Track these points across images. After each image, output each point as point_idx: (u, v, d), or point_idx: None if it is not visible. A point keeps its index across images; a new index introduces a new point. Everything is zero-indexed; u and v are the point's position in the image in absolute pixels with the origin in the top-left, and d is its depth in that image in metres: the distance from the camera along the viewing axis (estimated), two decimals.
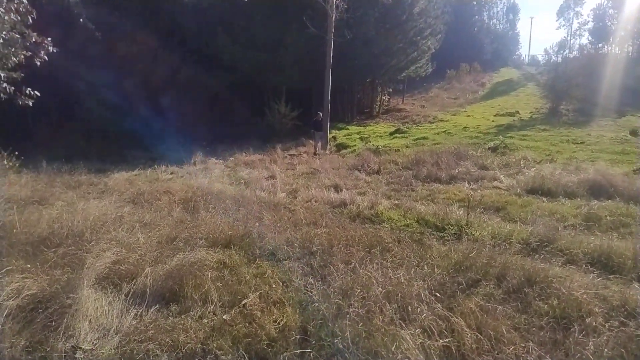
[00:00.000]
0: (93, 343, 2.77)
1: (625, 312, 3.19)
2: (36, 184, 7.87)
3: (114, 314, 3.03)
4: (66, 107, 19.94)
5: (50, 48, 6.43)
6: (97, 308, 3.01)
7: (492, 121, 18.46)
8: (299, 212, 6.26)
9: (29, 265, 3.54)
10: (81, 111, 18.21)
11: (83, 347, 2.69)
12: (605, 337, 2.84)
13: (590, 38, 42.93)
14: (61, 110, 19.86)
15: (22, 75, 6.05)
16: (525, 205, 6.56)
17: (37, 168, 9.59)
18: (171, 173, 11.07)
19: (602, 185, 7.06)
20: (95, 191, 7.96)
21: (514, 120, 18.19)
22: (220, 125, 20.58)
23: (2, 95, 5.83)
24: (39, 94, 6.26)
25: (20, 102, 5.97)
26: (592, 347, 2.72)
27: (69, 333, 2.81)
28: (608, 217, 5.70)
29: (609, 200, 6.48)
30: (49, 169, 9.69)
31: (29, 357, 2.63)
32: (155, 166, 11.69)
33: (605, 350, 2.69)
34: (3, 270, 3.33)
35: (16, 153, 9.18)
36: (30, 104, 6.02)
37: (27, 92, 5.99)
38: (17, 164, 9.19)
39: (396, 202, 7.17)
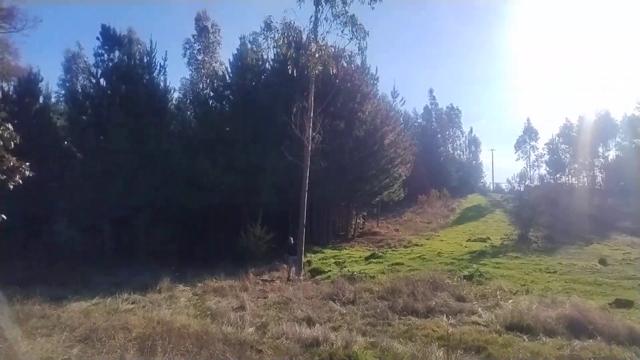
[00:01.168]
0: None
1: None
2: None
3: None
4: (34, 226, 19.41)
5: (27, 172, 6.41)
6: None
7: (465, 246, 18.76)
8: (266, 353, 5.75)
9: None
10: (49, 231, 17.63)
11: None
12: None
13: (547, 169, 46.68)
14: (28, 229, 19.27)
15: None
16: (506, 345, 6.26)
17: None
18: (133, 302, 10.34)
19: (579, 321, 6.90)
20: (46, 326, 7.24)
21: (485, 246, 18.55)
22: (194, 247, 20.16)
23: None
24: (5, 217, 6.06)
25: None
26: None
27: None
28: None
29: (590, 340, 6.27)
30: (1, 296, 8.94)
31: None
32: (117, 294, 10.95)
33: None
34: None
35: None
36: None
37: None
38: None
39: (372, 340, 6.73)
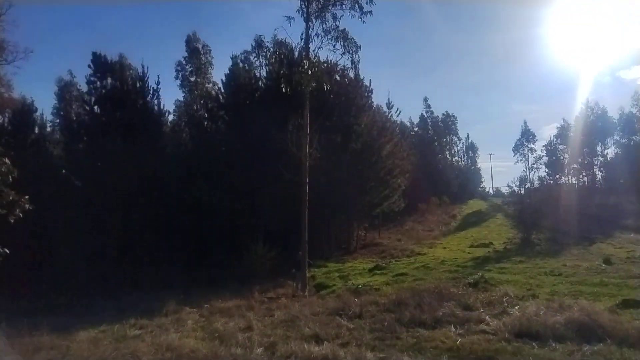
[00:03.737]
0: None
1: None
2: None
3: None
4: (37, 256, 19.34)
5: (27, 205, 6.44)
6: None
7: (468, 253, 18.75)
8: None
9: None
10: (51, 262, 17.58)
11: None
12: None
13: (547, 170, 46.72)
14: (30, 260, 19.20)
15: None
16: (516, 353, 6.24)
17: None
18: (140, 328, 10.27)
19: (589, 326, 6.88)
20: (56, 358, 7.19)
21: (489, 251, 18.53)
22: (197, 268, 20.08)
23: None
24: (8, 251, 6.08)
25: None
26: None
27: None
28: None
29: (600, 344, 6.24)
30: (8, 328, 8.89)
31: None
32: (124, 320, 10.89)
33: None
34: None
35: None
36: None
37: None
38: None
39: (382, 355, 6.71)
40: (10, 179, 6.23)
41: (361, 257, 21.92)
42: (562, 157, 46.60)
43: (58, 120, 25.38)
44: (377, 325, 8.97)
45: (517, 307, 8.83)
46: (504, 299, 9.75)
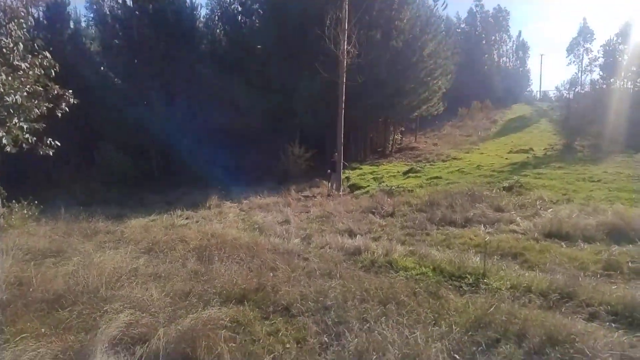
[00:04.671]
0: None
1: None
2: (54, 234, 8.02)
3: None
4: (86, 153, 20.59)
5: (71, 100, 6.70)
6: None
7: (506, 159, 18.38)
8: (313, 260, 6.22)
9: (43, 329, 3.57)
10: (100, 156, 18.75)
11: None
12: None
13: (601, 73, 42.79)
14: (81, 155, 20.50)
15: (44, 125, 6.27)
16: (543, 251, 6.41)
17: (55, 215, 9.83)
18: (186, 218, 11.20)
19: (621, 228, 6.88)
20: (112, 240, 8.05)
21: (528, 157, 18.08)
22: (235, 168, 20.94)
23: (24, 145, 6.03)
24: (59, 144, 6.47)
25: (42, 152, 6.15)
26: None
27: None
28: (630, 264, 5.53)
29: (630, 245, 6.30)
30: (67, 216, 9.94)
31: None
32: (172, 211, 11.85)
33: None
34: (17, 339, 3.37)
35: (35, 202, 9.45)
36: (51, 153, 6.19)
37: (48, 142, 6.18)
38: (37, 212, 9.45)
39: (411, 248, 7.08)
40: (53, 73, 6.34)
41: (396, 161, 22.05)
42: (620, 59, 42.20)
43: (92, 15, 24.77)
44: (409, 223, 9.33)
45: (549, 210, 8.84)
46: (538, 203, 9.75)
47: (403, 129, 28.65)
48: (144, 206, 14.09)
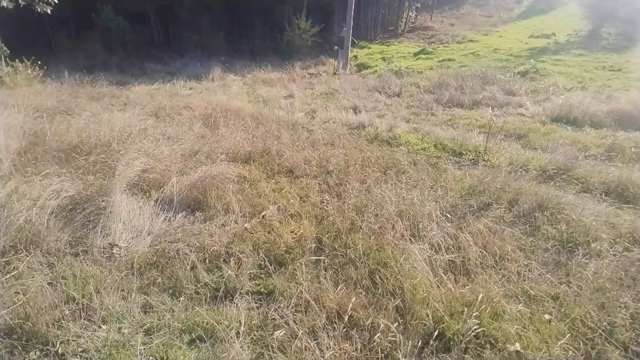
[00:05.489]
0: (128, 241, 3.05)
1: (632, 239, 3.28)
2: (60, 94, 8.00)
3: (145, 217, 3.28)
4: (84, 17, 19.42)
5: None
6: (130, 211, 3.26)
7: (526, 43, 17.37)
8: (317, 132, 6.30)
9: (63, 170, 3.77)
10: (99, 20, 17.72)
11: (119, 244, 2.96)
12: (607, 261, 2.97)
13: None
14: (79, 19, 19.43)
15: None
16: (548, 133, 6.44)
17: (59, 78, 9.70)
18: (190, 88, 11.06)
19: (632, 115, 6.80)
20: (118, 103, 8.05)
21: (549, 42, 17.08)
22: (239, 40, 19.96)
23: (20, 1, 5.72)
24: (57, 0, 6.11)
25: (39, 9, 5.86)
26: (592, 269, 2.86)
27: (106, 232, 3.09)
28: (633, 149, 5.59)
29: (638, 132, 6.30)
30: (71, 80, 9.80)
31: (72, 250, 2.93)
32: (174, 81, 11.66)
33: (605, 271, 2.82)
34: (42, 173, 3.57)
35: (39, 63, 9.23)
36: (49, 11, 5.89)
37: None
38: (41, 74, 9.30)
39: (415, 126, 7.12)
40: None
41: (407, 41, 20.87)
42: None
43: None
44: (415, 103, 9.24)
45: (562, 97, 8.65)
46: (551, 88, 9.52)
47: (419, 6, 26.49)
48: (146, 75, 13.82)
